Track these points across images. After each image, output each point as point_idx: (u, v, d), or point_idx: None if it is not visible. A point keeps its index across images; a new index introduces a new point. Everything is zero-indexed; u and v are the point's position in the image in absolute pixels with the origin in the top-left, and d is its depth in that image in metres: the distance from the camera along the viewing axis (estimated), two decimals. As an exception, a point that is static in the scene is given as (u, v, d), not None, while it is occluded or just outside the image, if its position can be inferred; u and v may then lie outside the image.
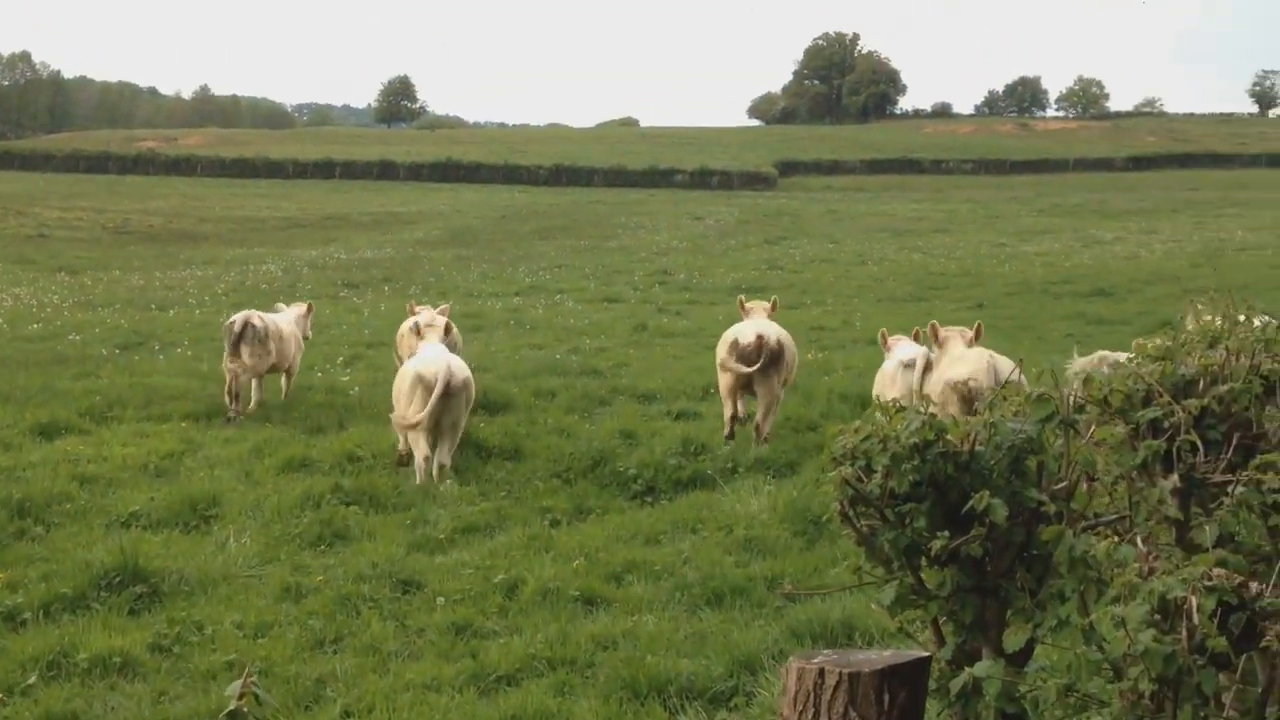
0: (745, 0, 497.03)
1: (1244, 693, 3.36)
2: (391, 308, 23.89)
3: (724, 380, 12.85)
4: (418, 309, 13.93)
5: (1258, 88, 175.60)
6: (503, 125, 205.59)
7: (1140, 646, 3.11)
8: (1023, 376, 4.65)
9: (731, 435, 12.83)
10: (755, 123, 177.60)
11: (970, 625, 3.87)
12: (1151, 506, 3.86)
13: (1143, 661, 3.12)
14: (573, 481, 11.49)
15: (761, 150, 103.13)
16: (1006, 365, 9.96)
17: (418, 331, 12.97)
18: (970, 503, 3.71)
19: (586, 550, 9.38)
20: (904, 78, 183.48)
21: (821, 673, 3.47)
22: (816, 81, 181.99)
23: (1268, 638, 3.12)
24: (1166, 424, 3.92)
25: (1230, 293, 4.73)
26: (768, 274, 33.10)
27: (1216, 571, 3.23)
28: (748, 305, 13.71)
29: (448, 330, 13.29)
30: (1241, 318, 4.47)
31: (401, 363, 13.04)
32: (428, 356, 11.99)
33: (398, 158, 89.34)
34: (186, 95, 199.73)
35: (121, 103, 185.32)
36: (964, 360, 10.73)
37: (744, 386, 12.78)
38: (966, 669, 3.36)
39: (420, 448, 11.57)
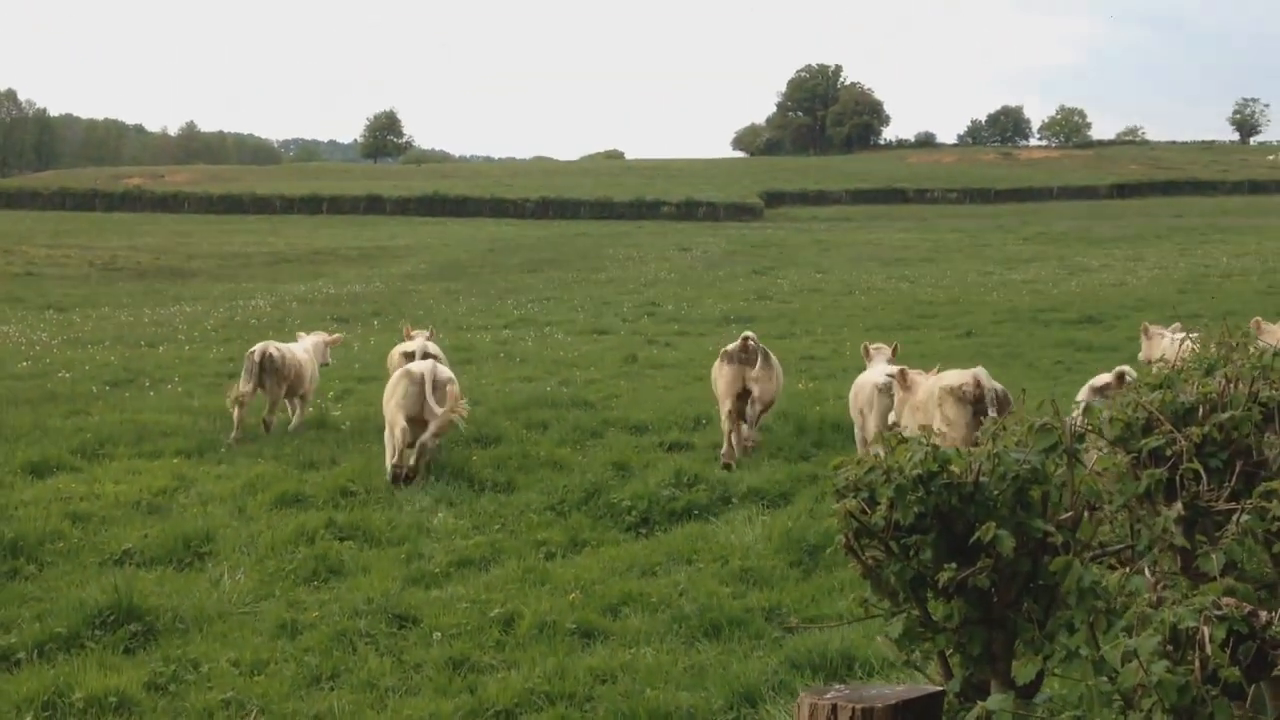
0: (745, 1, 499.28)
1: (1254, 722, 3.36)
2: (380, 341, 23.86)
3: (721, 384, 13.85)
4: (413, 333, 15.09)
5: (1238, 115, 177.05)
6: (489, 159, 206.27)
7: (1154, 678, 3.09)
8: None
9: (730, 462, 13.35)
10: (740, 154, 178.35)
11: (978, 657, 3.86)
12: (1155, 535, 3.87)
13: (1156, 693, 3.11)
14: (567, 514, 11.47)
15: (747, 181, 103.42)
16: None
17: (409, 357, 14.08)
18: (976, 534, 3.71)
19: (582, 583, 9.35)
20: (887, 108, 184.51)
21: (834, 709, 3.45)
22: (800, 113, 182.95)
23: (1279, 667, 3.12)
24: (1168, 452, 3.93)
25: (1225, 320, 4.75)
26: (756, 304, 33.16)
27: (1226, 600, 3.23)
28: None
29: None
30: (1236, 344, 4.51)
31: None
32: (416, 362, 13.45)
33: (385, 192, 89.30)
34: (173, 132, 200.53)
35: (108, 140, 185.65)
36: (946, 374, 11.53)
37: (740, 393, 13.71)
38: (979, 703, 3.35)
39: (396, 440, 12.57)
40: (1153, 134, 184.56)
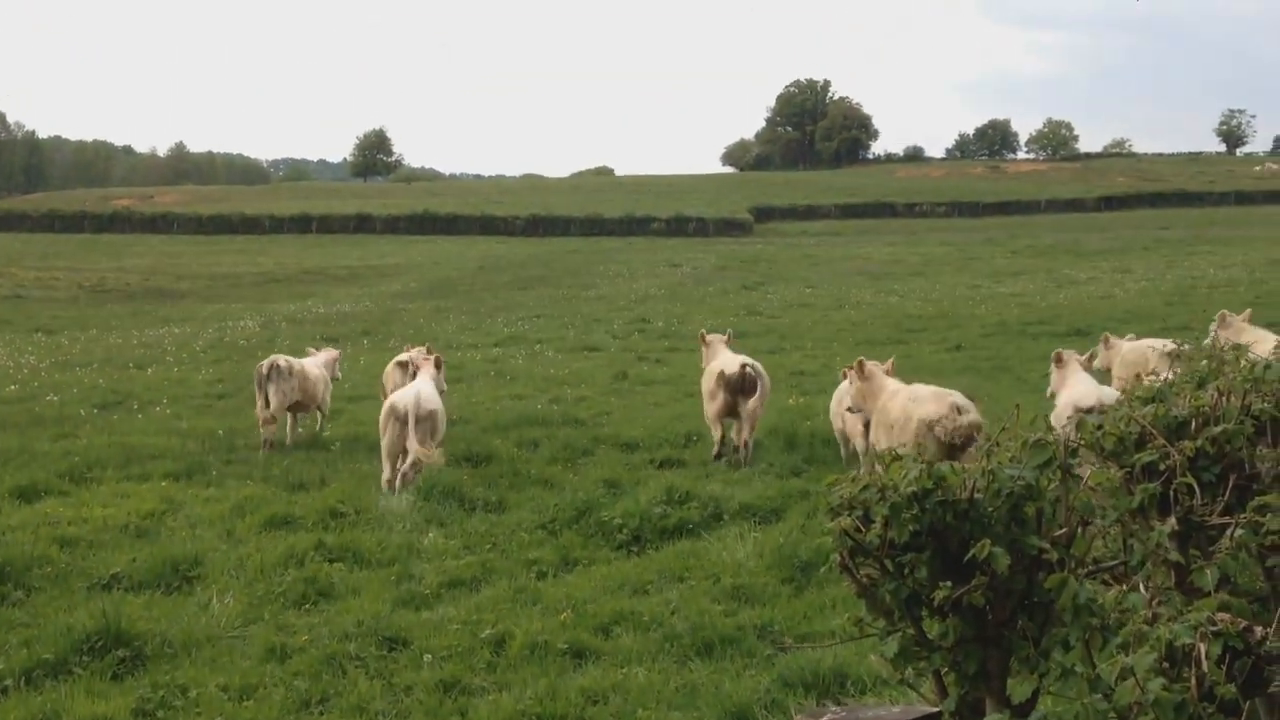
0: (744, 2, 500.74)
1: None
2: (371, 361, 23.81)
3: (717, 406, 14.48)
4: (410, 349, 16.12)
5: (1224, 126, 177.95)
6: (478, 177, 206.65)
7: (1150, 695, 3.07)
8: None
9: (720, 454, 14.41)
10: (729, 169, 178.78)
11: (973, 676, 3.83)
12: (1149, 550, 3.84)
13: (1153, 711, 3.08)
14: (558, 533, 11.41)
15: (736, 196, 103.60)
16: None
17: (403, 366, 15.08)
18: (972, 551, 3.68)
19: (574, 602, 9.30)
20: (876, 122, 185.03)
21: (830, 730, 3.42)
22: (789, 128, 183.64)
23: (1275, 683, 3.09)
24: (1161, 466, 3.91)
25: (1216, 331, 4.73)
26: (746, 319, 33.15)
27: (1221, 616, 3.20)
28: (709, 338, 15.82)
29: (439, 365, 14.87)
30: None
31: (387, 395, 14.78)
32: (405, 389, 13.97)
33: (374, 211, 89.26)
34: (162, 153, 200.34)
35: (97, 161, 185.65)
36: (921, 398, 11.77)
37: (731, 410, 14.41)
38: (977, 721, 3.32)
39: (387, 468, 13.31)
40: (1139, 146, 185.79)
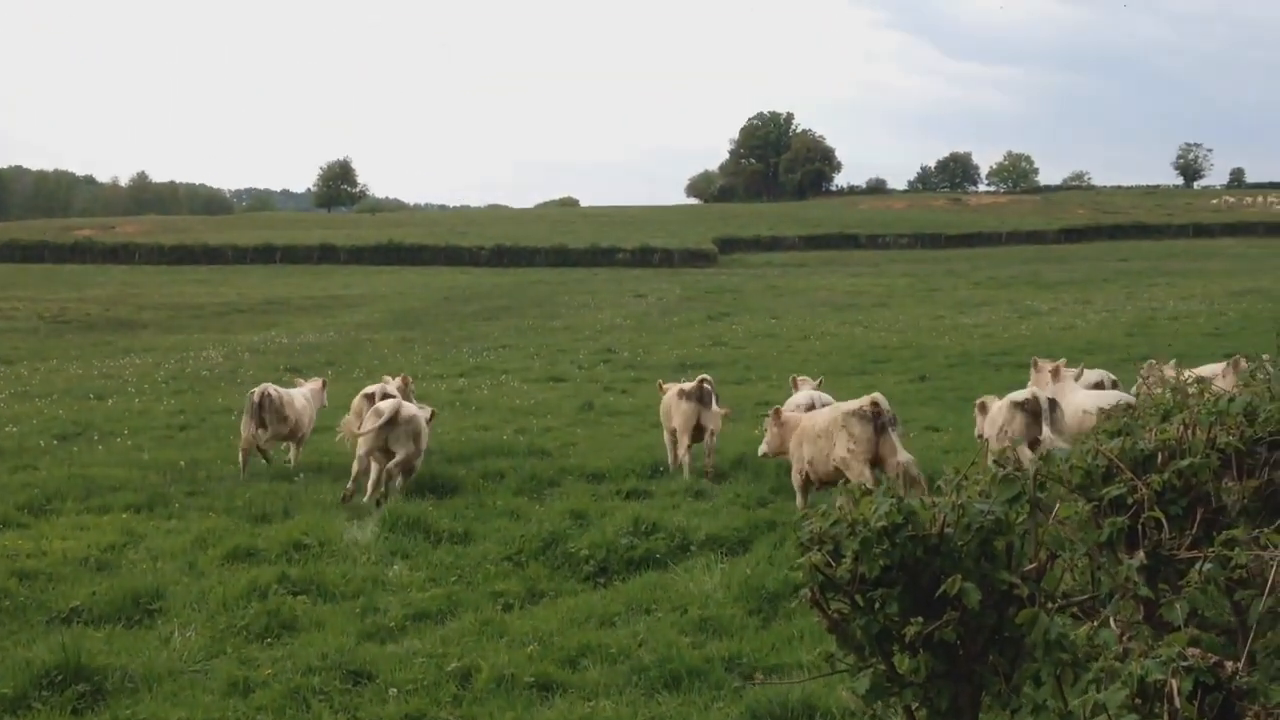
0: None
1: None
2: (335, 391, 23.63)
3: (678, 420, 15.36)
4: (388, 380, 17.00)
5: (1182, 160, 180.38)
6: (443, 207, 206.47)
7: (1123, 732, 3.07)
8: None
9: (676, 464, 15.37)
10: (694, 201, 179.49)
11: (945, 711, 3.82)
12: (1118, 583, 3.85)
13: (1126, 747, 3.08)
14: (524, 564, 11.35)
15: (701, 228, 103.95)
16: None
17: (370, 399, 15.48)
18: (943, 587, 3.67)
19: (540, 635, 9.24)
20: (839, 155, 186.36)
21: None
22: (753, 160, 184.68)
23: (1246, 718, 3.10)
24: (1129, 500, 3.93)
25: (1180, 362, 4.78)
26: (711, 350, 33.21)
27: (1191, 651, 3.21)
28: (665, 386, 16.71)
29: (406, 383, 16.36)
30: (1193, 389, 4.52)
31: (354, 430, 15.34)
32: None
33: (338, 241, 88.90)
34: (124, 183, 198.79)
35: (58, 191, 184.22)
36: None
37: (695, 427, 15.29)
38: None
39: (360, 465, 14.21)
40: (1098, 179, 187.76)
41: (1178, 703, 3.08)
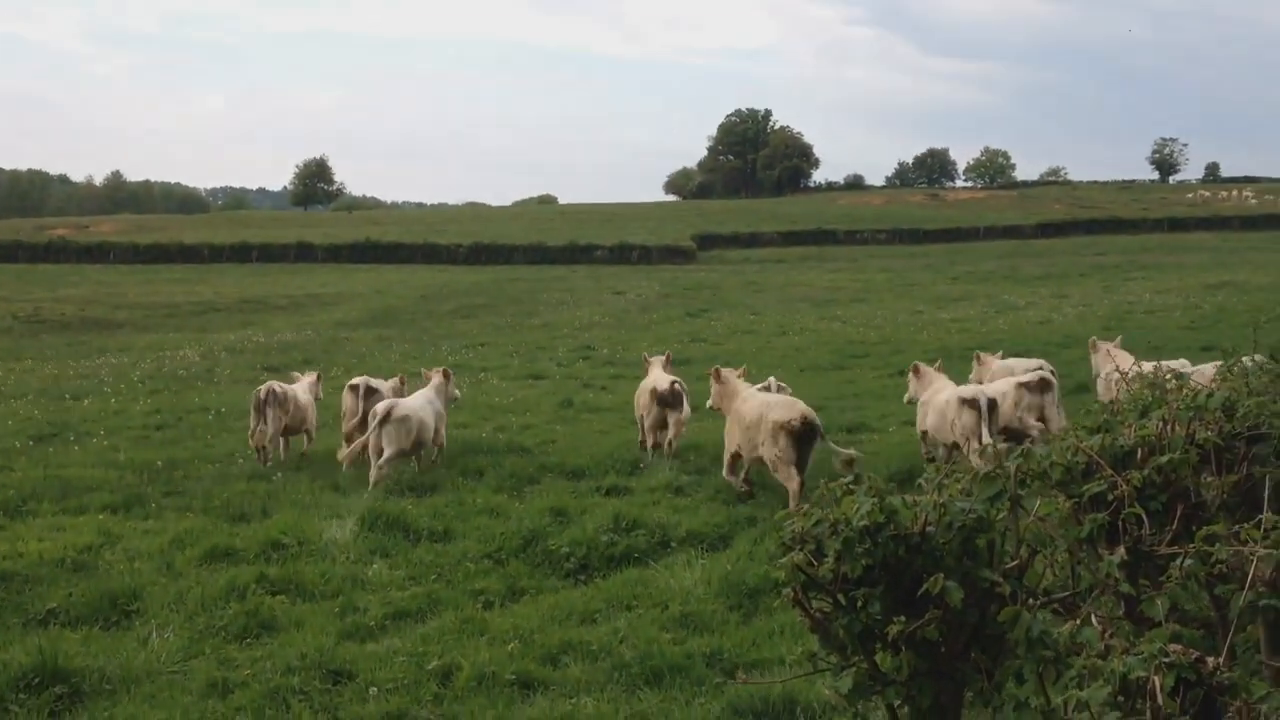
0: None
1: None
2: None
3: (649, 419, 16.33)
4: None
5: (1157, 155, 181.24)
6: (420, 205, 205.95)
7: (1105, 729, 3.07)
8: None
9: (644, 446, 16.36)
10: (672, 198, 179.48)
11: (928, 709, 3.81)
12: (1099, 580, 3.85)
13: (1108, 744, 3.08)
14: (505, 562, 11.33)
15: (680, 224, 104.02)
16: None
17: (354, 390, 16.92)
18: (925, 585, 3.66)
19: (521, 632, 9.22)
20: (817, 151, 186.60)
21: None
22: (731, 157, 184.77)
23: (1228, 714, 3.10)
24: (1109, 496, 3.92)
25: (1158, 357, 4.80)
26: (690, 346, 33.22)
27: (1173, 647, 3.21)
28: (650, 359, 17.90)
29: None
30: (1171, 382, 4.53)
31: (344, 417, 16.86)
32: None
33: (315, 239, 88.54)
34: (98, 181, 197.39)
35: (32, 191, 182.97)
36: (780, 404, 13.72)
37: (662, 422, 16.22)
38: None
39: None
40: (1075, 174, 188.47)
41: (1160, 699, 3.08)
